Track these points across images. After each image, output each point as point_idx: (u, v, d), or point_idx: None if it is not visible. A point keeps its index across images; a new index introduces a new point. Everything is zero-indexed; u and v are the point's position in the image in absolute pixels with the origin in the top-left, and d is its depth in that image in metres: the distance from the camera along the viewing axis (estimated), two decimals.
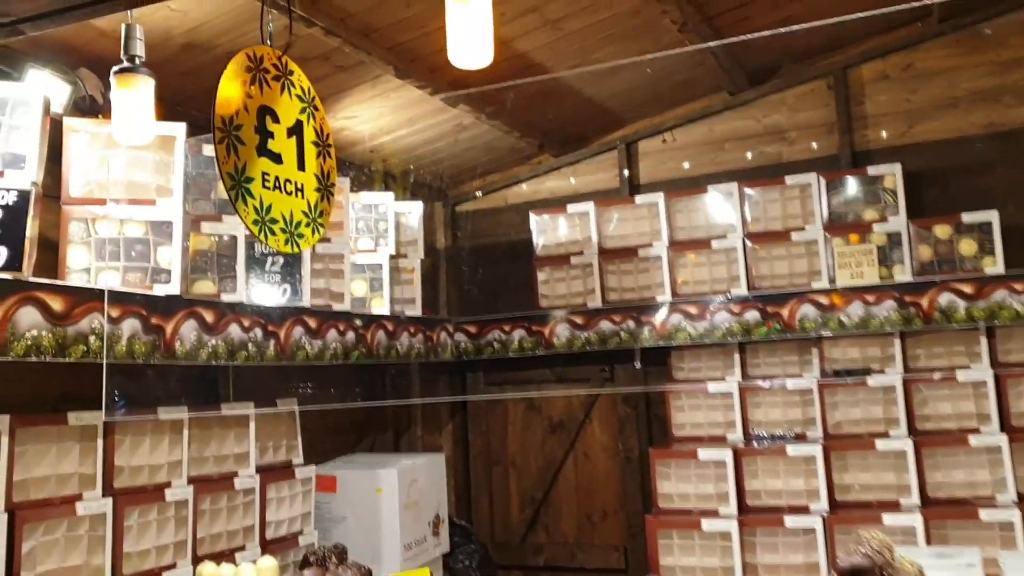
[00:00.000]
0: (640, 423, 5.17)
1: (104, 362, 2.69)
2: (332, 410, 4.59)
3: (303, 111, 2.80)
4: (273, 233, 2.62)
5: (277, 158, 2.67)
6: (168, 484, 3.27)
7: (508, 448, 5.46)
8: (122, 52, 2.89)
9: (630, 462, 5.16)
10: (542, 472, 5.36)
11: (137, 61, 2.89)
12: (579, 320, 4.91)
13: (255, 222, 2.54)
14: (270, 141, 2.65)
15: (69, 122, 3.19)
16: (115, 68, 2.89)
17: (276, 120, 2.69)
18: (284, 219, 2.67)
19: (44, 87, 3.04)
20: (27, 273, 2.56)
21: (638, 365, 5.03)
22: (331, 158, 2.91)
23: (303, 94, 2.81)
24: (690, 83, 4.94)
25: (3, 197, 2.60)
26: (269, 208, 2.61)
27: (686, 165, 5.18)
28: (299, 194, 2.74)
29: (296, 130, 2.77)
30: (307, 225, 2.76)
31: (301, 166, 2.77)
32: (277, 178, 2.66)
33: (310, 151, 2.81)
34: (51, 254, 3.06)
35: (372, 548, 4.01)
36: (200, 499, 3.40)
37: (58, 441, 2.88)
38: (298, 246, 2.72)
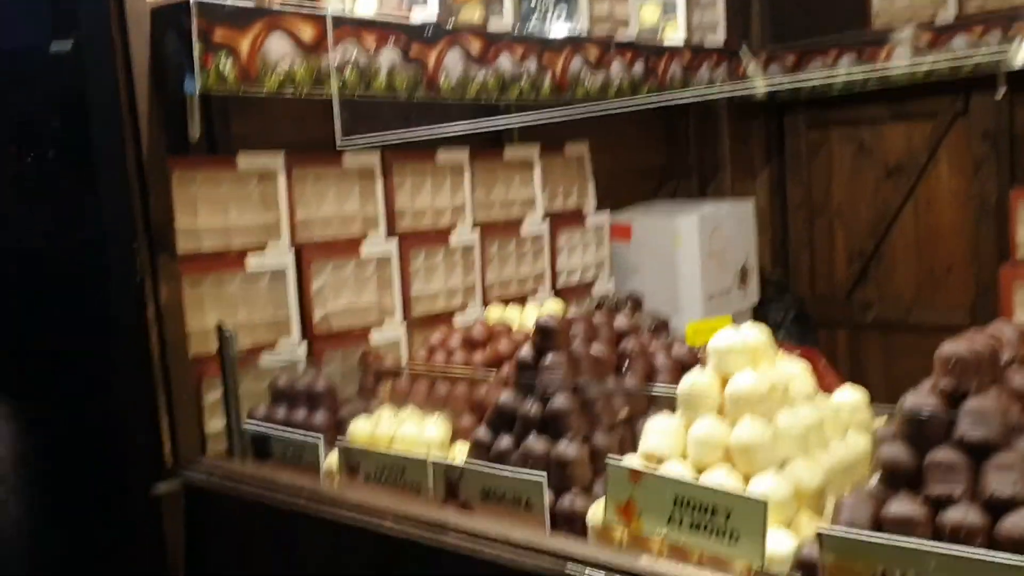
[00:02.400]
0: (1001, 163, 4.33)
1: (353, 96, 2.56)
2: (628, 155, 4.29)
3: None
4: None
5: None
6: (452, 228, 3.21)
7: (833, 197, 4.88)
8: None
9: (984, 209, 4.39)
10: (873, 223, 4.74)
11: None
12: (925, 39, 4.08)
13: None
14: None
15: None
16: None
17: None
18: None
19: None
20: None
21: (1001, 93, 4.13)
22: None
23: None
24: None
25: None
26: None
27: None
28: None
29: None
30: None
31: None
32: None
33: None
34: None
35: (671, 297, 3.78)
36: (487, 244, 3.34)
37: (337, 182, 2.88)
38: None
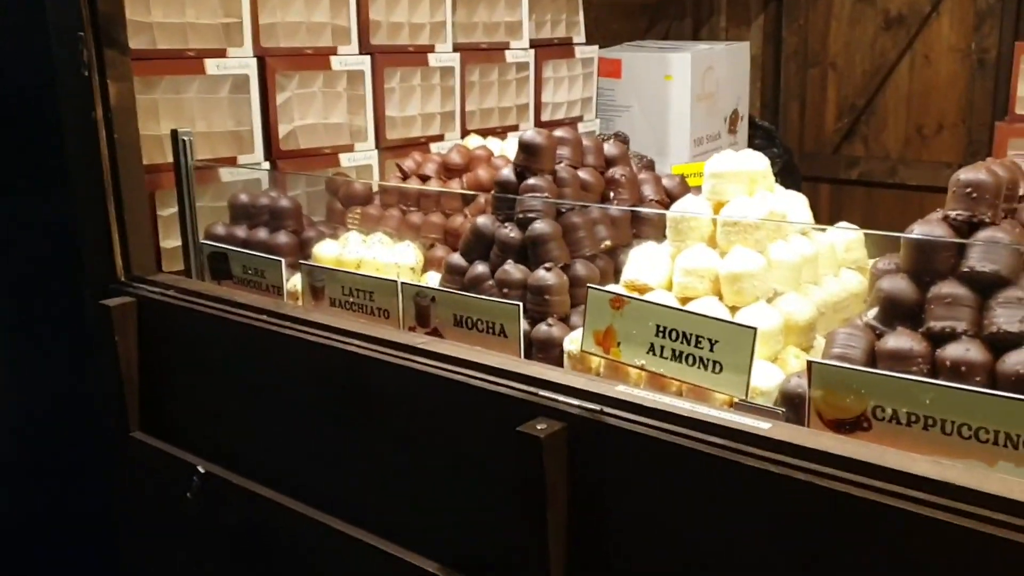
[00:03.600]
0: (1006, 17, 4.13)
1: None
2: None
3: None
4: None
5: None
6: (431, 48, 3.00)
7: (829, 47, 4.67)
8: None
9: (983, 66, 4.22)
10: (868, 76, 4.56)
11: None
12: None
13: None
14: None
15: None
16: None
17: None
18: None
19: None
20: None
21: None
22: None
23: None
24: None
25: None
26: None
27: None
28: None
29: None
30: None
31: None
32: None
33: None
34: None
35: (658, 140, 3.63)
36: (468, 69, 3.14)
37: None
38: None
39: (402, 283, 1.93)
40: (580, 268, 1.89)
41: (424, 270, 2.20)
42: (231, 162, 2.49)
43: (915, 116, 4.47)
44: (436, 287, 1.94)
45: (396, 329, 1.90)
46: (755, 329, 1.48)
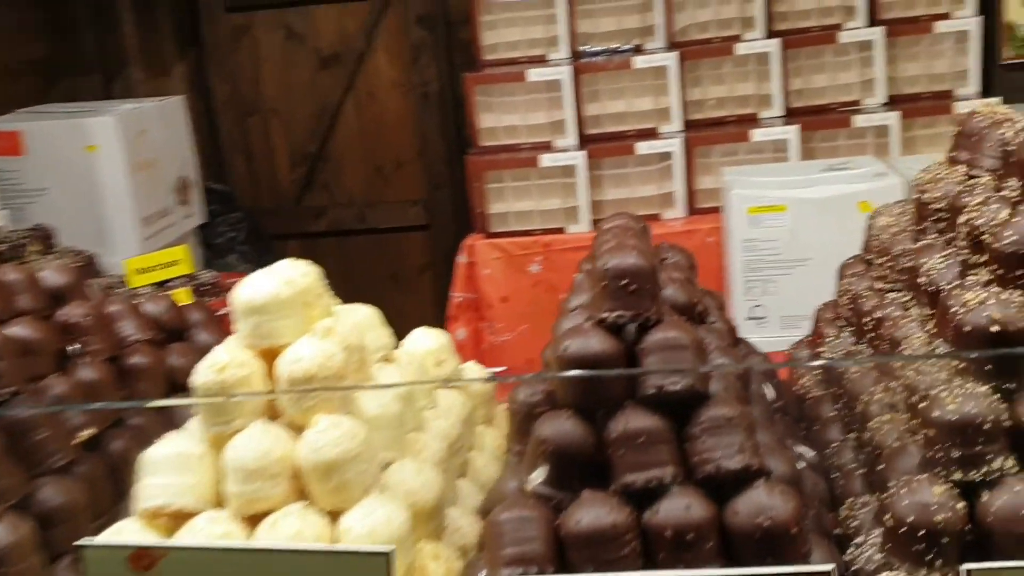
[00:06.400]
0: (439, 49, 4.08)
1: None
2: None
3: None
4: None
5: None
6: None
7: (265, 92, 4.23)
8: None
9: (428, 99, 4.13)
10: (314, 119, 4.22)
11: None
12: None
13: None
14: None
15: None
16: None
17: None
18: None
19: None
20: None
21: None
22: None
23: None
24: None
25: None
26: None
27: None
28: None
29: None
30: None
31: None
32: None
33: None
34: None
35: (94, 226, 2.83)
36: None
37: None
38: None
39: None
40: (49, 491, 1.15)
41: None
42: None
43: (372, 156, 4.24)
44: None
45: None
46: (388, 553, 0.93)
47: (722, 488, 0.99)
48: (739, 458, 0.98)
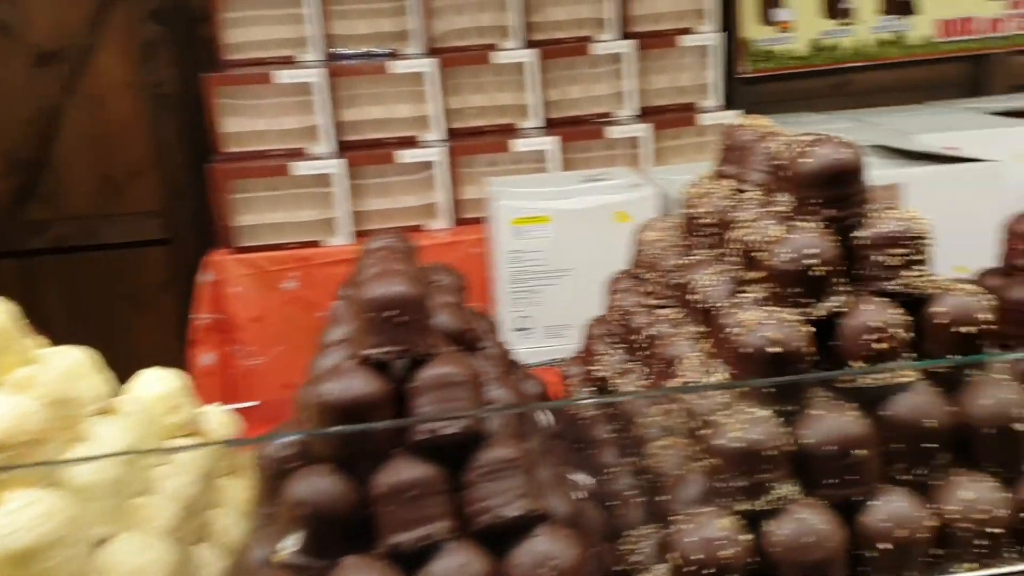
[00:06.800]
0: (177, 47, 3.75)
1: None
2: None
3: None
4: None
5: None
6: None
7: None
8: None
9: (164, 101, 3.79)
10: (31, 124, 3.74)
11: None
12: None
13: None
14: None
15: None
16: None
17: None
18: None
19: None
20: None
21: None
22: None
23: None
24: None
25: None
26: None
27: None
28: None
29: None
30: None
31: None
32: None
33: None
34: None
35: None
36: None
37: None
38: None
39: None
40: None
41: None
42: None
43: (101, 165, 3.83)
44: None
45: None
46: None
47: (502, 538, 0.88)
48: (518, 504, 0.88)
